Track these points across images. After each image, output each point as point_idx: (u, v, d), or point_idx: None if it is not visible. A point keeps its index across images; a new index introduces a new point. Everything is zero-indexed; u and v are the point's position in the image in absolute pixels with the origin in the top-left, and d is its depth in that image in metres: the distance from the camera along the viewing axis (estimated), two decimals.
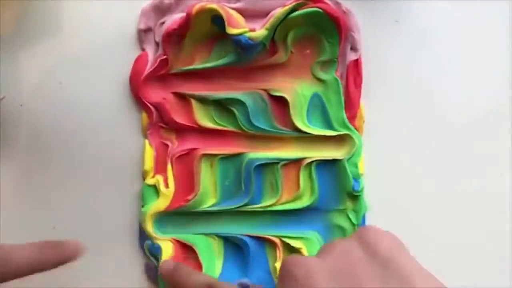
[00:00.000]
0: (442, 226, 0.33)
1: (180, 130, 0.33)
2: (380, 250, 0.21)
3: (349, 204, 0.33)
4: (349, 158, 0.32)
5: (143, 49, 0.33)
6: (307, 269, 0.21)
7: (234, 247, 0.33)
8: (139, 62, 0.33)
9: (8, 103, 0.34)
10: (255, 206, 0.33)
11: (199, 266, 0.33)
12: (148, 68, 0.33)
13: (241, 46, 0.31)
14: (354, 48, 0.33)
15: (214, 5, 0.31)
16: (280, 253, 0.32)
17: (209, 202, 0.33)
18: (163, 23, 0.33)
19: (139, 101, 0.33)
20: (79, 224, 0.33)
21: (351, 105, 0.33)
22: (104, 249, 0.33)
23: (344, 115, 0.33)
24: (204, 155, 0.33)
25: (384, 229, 0.23)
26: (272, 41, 0.33)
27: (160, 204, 0.32)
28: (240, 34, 0.31)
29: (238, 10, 0.33)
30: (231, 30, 0.31)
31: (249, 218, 0.33)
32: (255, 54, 0.32)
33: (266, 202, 0.33)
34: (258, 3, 0.33)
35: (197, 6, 0.31)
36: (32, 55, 0.34)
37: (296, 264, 0.21)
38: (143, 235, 0.33)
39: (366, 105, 0.33)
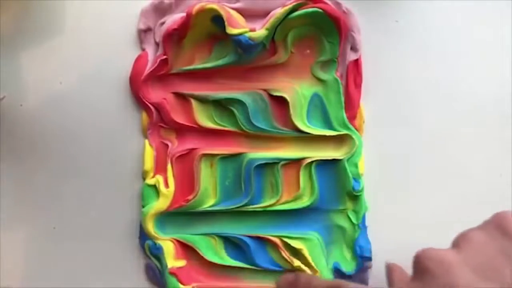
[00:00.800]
0: (442, 226, 0.33)
1: (180, 130, 0.33)
2: None
3: (349, 204, 0.33)
4: (349, 158, 0.32)
5: (143, 49, 0.34)
6: (445, 264, 0.19)
7: (235, 247, 0.33)
8: (139, 62, 0.33)
9: (8, 103, 0.34)
10: (255, 206, 0.33)
11: (200, 266, 0.33)
12: (148, 68, 0.33)
13: (241, 46, 0.31)
14: (354, 48, 0.33)
15: (214, 5, 0.31)
16: (286, 254, 0.32)
17: (209, 202, 0.33)
18: (163, 23, 0.33)
19: (139, 101, 0.33)
20: (79, 224, 0.33)
21: (351, 105, 0.33)
22: (104, 249, 0.33)
23: (344, 115, 0.33)
24: (204, 155, 0.33)
25: None
26: (272, 41, 0.33)
27: (160, 204, 0.32)
28: (240, 34, 0.31)
29: (238, 10, 0.33)
30: (231, 30, 0.31)
31: (249, 218, 0.33)
32: (255, 54, 0.32)
33: (266, 202, 0.33)
34: (258, 3, 0.33)
35: (197, 6, 0.31)
36: (32, 55, 0.34)
37: (432, 259, 0.20)
38: (143, 235, 0.33)
39: (366, 105, 0.33)
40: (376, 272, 0.33)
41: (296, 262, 0.32)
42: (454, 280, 0.19)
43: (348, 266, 0.32)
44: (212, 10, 0.31)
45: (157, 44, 0.33)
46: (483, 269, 0.19)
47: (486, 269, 0.19)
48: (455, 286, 0.19)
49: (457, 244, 0.21)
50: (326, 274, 0.32)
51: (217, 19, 0.32)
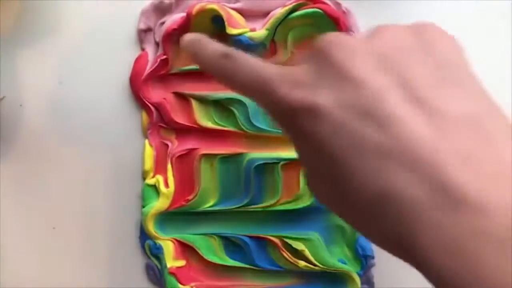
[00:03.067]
0: None
1: (180, 130, 0.33)
2: (437, 50, 0.18)
3: None
4: None
5: (143, 49, 0.33)
6: (347, 50, 0.18)
7: (235, 247, 0.33)
8: (139, 62, 0.33)
9: (8, 103, 0.34)
10: (255, 206, 0.33)
11: (199, 266, 0.33)
12: (148, 68, 0.33)
13: (241, 46, 0.31)
14: None
15: (214, 5, 0.31)
16: (286, 255, 0.32)
17: (209, 202, 0.33)
18: (163, 23, 0.33)
19: (139, 101, 0.33)
20: (79, 224, 0.33)
21: None
22: (104, 249, 0.33)
23: None
24: (204, 155, 0.33)
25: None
26: (272, 41, 0.33)
27: (160, 204, 0.32)
28: (240, 34, 0.31)
29: (238, 10, 0.33)
30: (231, 30, 0.31)
31: (249, 218, 0.33)
32: (255, 54, 0.32)
33: (266, 202, 0.33)
34: (258, 3, 0.33)
35: (197, 6, 0.31)
36: (32, 55, 0.34)
37: (338, 47, 0.18)
38: (143, 235, 0.33)
39: None
40: (378, 272, 0.33)
41: (302, 263, 0.32)
42: (351, 67, 0.17)
43: (353, 267, 0.32)
44: (212, 10, 0.31)
45: (157, 44, 0.33)
46: (389, 60, 0.18)
47: (392, 62, 0.18)
48: (350, 75, 0.17)
49: (369, 33, 0.19)
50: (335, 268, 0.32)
51: (217, 19, 0.32)
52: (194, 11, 0.31)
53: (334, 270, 0.32)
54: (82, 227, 0.33)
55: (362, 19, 0.33)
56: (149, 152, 0.33)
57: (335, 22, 0.32)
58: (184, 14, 0.32)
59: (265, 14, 0.32)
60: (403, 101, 0.17)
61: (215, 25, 0.32)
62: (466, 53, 0.19)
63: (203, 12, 0.31)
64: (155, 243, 0.32)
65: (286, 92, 0.19)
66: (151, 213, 0.32)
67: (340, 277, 0.32)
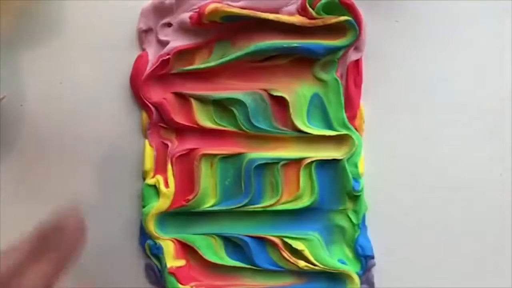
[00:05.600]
0: (442, 226, 0.33)
1: (180, 130, 0.33)
2: None
3: (349, 204, 0.33)
4: (349, 158, 0.32)
5: (143, 49, 0.34)
6: None
7: (235, 247, 0.33)
8: (139, 62, 0.33)
9: (8, 103, 0.34)
10: (255, 206, 0.33)
11: (199, 266, 0.33)
12: (148, 68, 0.33)
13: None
14: (357, 48, 0.33)
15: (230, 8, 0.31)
16: (286, 255, 0.32)
17: (210, 202, 0.33)
18: (165, 23, 0.33)
19: (139, 101, 0.33)
20: None
21: (351, 105, 0.33)
22: (104, 249, 0.33)
23: (344, 115, 0.33)
24: (204, 155, 0.33)
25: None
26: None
27: (161, 204, 0.32)
28: None
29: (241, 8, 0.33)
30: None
31: (249, 218, 0.33)
32: (255, 53, 0.32)
33: (266, 202, 0.33)
34: (261, 2, 0.32)
35: (211, 7, 0.31)
36: (33, 55, 0.34)
37: None
38: (143, 235, 0.33)
39: (366, 105, 0.33)
40: (378, 272, 0.33)
41: (301, 263, 0.32)
42: None
43: (353, 267, 0.32)
44: (224, 11, 0.31)
45: (158, 43, 0.33)
46: None
47: None
48: None
49: None
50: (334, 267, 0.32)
51: (227, 17, 0.31)
52: (207, 11, 0.31)
53: (334, 270, 0.32)
54: None
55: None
56: (149, 152, 0.33)
57: (349, 10, 0.32)
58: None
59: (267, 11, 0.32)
60: None
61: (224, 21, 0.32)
62: None
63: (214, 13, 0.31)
64: (155, 243, 0.32)
65: None
66: (151, 213, 0.32)
67: (340, 277, 0.32)
